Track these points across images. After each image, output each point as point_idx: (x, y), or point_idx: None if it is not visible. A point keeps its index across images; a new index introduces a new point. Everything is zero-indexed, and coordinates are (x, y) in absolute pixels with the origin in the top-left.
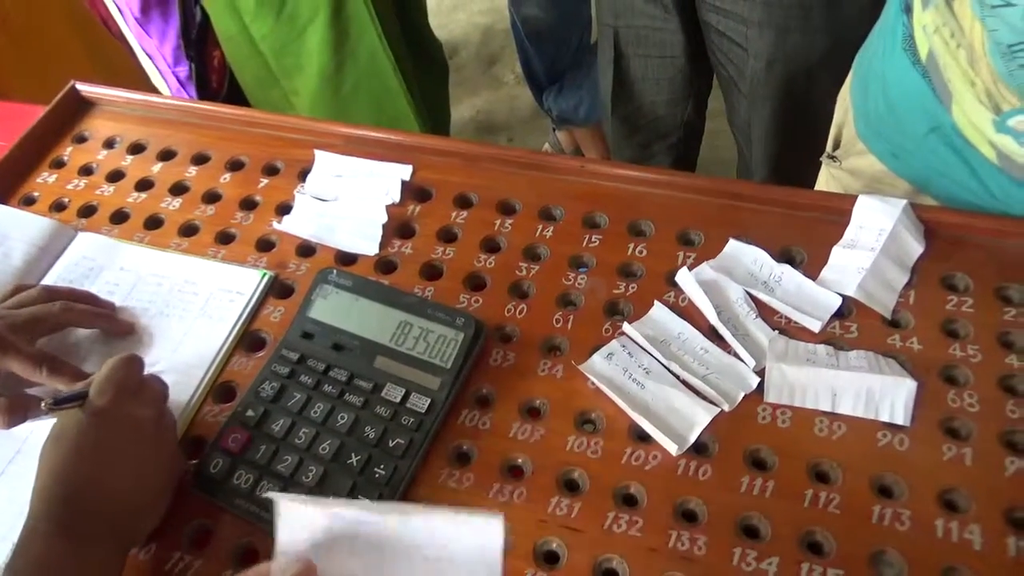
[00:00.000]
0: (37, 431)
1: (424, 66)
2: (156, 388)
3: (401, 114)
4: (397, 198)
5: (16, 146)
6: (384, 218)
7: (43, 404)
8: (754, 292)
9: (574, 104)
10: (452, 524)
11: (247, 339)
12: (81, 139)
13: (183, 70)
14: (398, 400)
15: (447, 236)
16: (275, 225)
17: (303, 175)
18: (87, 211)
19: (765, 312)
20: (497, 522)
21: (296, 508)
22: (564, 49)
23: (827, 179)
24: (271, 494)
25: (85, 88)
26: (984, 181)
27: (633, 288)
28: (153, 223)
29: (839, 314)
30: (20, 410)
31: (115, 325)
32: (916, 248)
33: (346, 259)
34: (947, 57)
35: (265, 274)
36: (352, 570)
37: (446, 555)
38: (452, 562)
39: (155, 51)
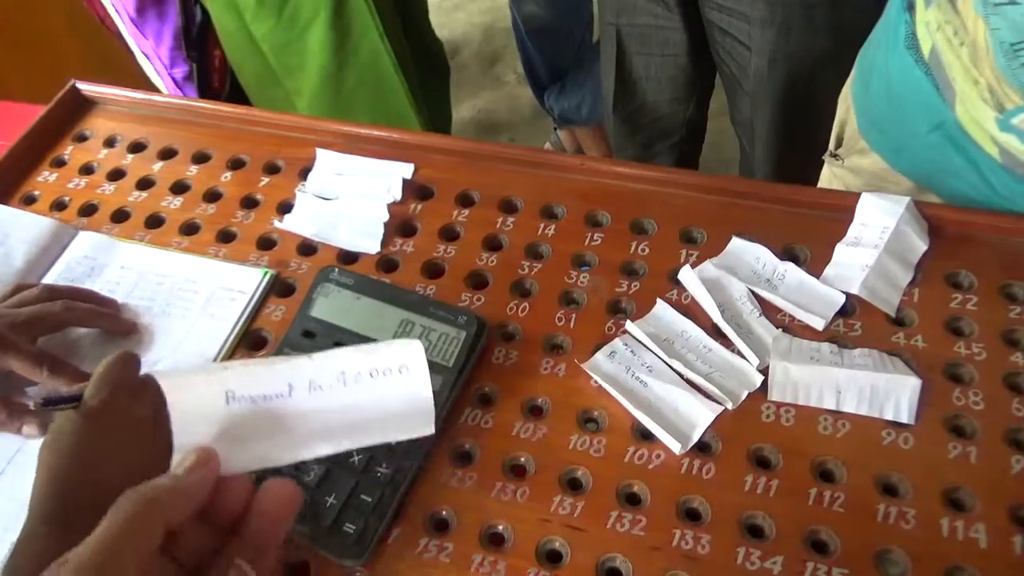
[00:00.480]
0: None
1: (425, 65)
2: (153, 386)
3: (402, 113)
4: (398, 196)
5: (16, 145)
6: (385, 216)
7: (32, 404)
8: (757, 290)
9: (576, 103)
10: (369, 366)
11: (248, 338)
12: (82, 138)
13: (180, 71)
14: None
15: (449, 234)
16: (276, 224)
17: (304, 173)
18: (88, 210)
19: (768, 310)
20: (417, 346)
21: (182, 391)
22: (566, 48)
23: (829, 177)
24: (151, 372)
25: (85, 87)
26: (988, 178)
27: (635, 286)
28: (154, 222)
29: (843, 312)
30: (16, 417)
31: (117, 324)
32: (920, 246)
33: (348, 258)
34: (950, 55)
35: (266, 273)
36: (264, 452)
37: (370, 412)
38: (382, 416)
39: (151, 52)
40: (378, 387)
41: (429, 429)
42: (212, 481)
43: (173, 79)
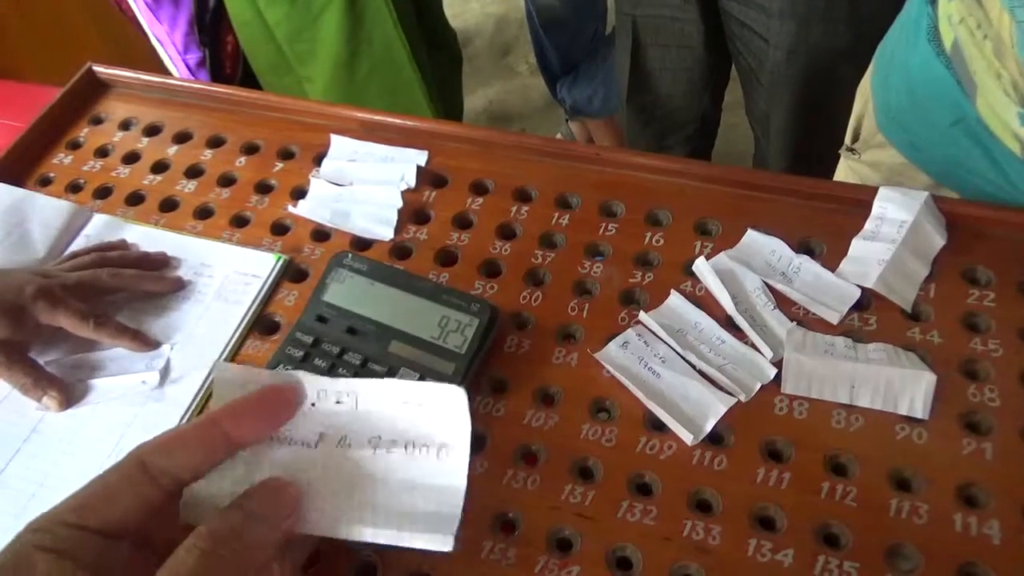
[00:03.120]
0: (50, 412)
1: (438, 55)
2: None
3: (415, 102)
4: (413, 184)
5: (32, 127)
6: (399, 203)
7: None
8: (772, 283)
9: (588, 95)
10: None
11: (261, 322)
12: (97, 121)
13: (193, 57)
14: None
15: (462, 222)
16: (290, 209)
17: (318, 159)
18: (103, 193)
19: (783, 303)
20: (461, 393)
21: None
22: (579, 39)
23: (846, 172)
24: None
25: (101, 70)
26: (1008, 174)
27: (649, 277)
28: (168, 205)
29: (858, 306)
30: (40, 386)
31: (162, 285)
32: (938, 241)
33: (361, 244)
34: (972, 48)
35: (280, 258)
36: None
37: (393, 496)
38: (402, 508)
39: (165, 37)
40: (411, 467)
41: (447, 543)
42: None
43: (187, 65)
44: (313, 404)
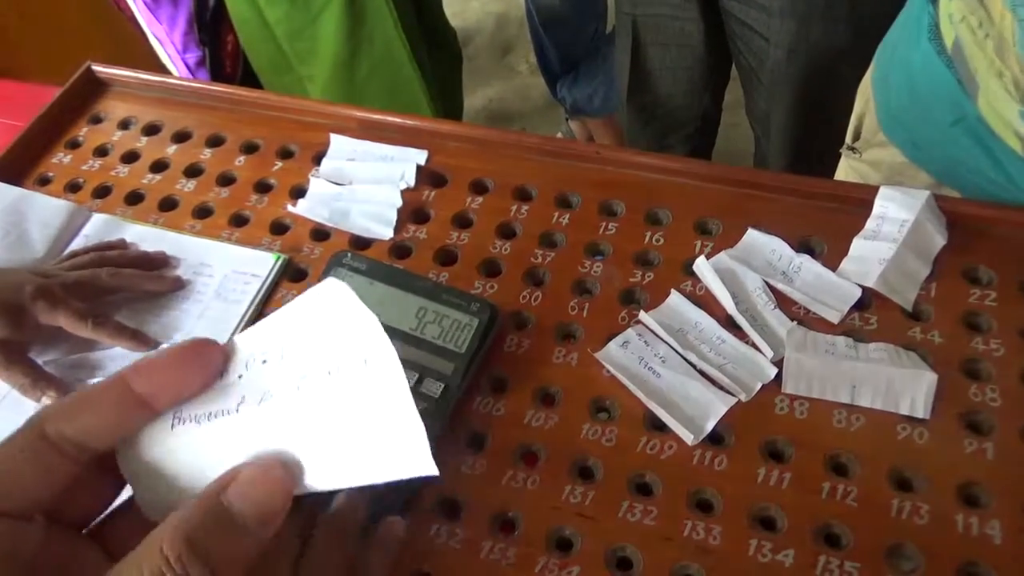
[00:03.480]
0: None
1: (438, 54)
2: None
3: (415, 101)
4: (412, 183)
5: (31, 126)
6: (399, 202)
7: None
8: (772, 282)
9: (588, 94)
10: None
11: None
12: (96, 120)
13: (192, 56)
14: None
15: (462, 222)
16: (289, 208)
17: (318, 159)
18: (102, 192)
19: (783, 302)
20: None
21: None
22: (579, 38)
23: (846, 171)
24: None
25: (100, 69)
26: (1009, 173)
27: (650, 276)
28: (168, 205)
29: (859, 306)
30: (39, 386)
31: (162, 284)
32: (939, 240)
33: (360, 243)
34: (974, 47)
35: (279, 257)
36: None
37: (336, 435)
38: (354, 444)
39: (164, 37)
40: (340, 393)
41: (429, 467)
42: None
43: (186, 64)
44: (240, 376)
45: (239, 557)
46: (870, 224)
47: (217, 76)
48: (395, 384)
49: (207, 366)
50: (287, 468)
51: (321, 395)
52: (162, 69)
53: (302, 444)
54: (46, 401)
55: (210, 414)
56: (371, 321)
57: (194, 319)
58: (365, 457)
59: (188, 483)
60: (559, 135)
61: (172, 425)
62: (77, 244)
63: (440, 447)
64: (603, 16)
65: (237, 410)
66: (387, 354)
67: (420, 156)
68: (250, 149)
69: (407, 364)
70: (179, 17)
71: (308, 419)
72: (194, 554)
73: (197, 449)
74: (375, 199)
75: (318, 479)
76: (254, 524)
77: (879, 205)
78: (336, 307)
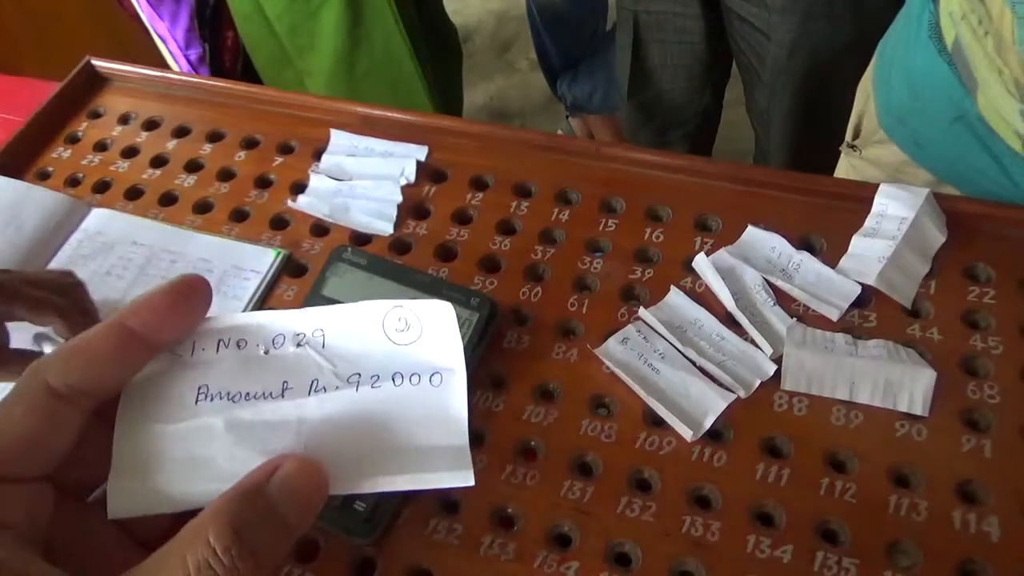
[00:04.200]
0: None
1: (438, 50)
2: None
3: (415, 97)
4: (412, 178)
5: (31, 121)
6: (399, 198)
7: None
8: (772, 279)
9: (588, 91)
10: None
11: None
12: (96, 115)
13: (194, 53)
14: None
15: (462, 218)
16: (289, 204)
17: (318, 154)
18: (101, 187)
19: (783, 300)
20: (448, 308)
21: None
22: (580, 35)
23: (846, 169)
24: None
25: (100, 64)
26: (1009, 171)
27: (649, 273)
28: (167, 200)
29: (858, 303)
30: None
31: (64, 330)
32: (938, 238)
33: (360, 239)
34: (974, 45)
35: (279, 253)
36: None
37: (392, 439)
38: (407, 449)
39: (166, 33)
40: (402, 400)
41: (468, 478)
42: None
43: (188, 60)
44: (267, 352)
45: (280, 552)
46: (870, 222)
47: (217, 72)
48: (459, 402)
49: (202, 302)
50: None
51: (382, 399)
52: (163, 65)
53: (351, 444)
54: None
55: (247, 394)
56: (458, 344)
57: None
58: (411, 464)
59: (211, 464)
60: (559, 132)
61: (196, 399)
62: (76, 238)
63: None
64: (603, 13)
65: (283, 395)
66: (461, 375)
67: (420, 152)
68: (250, 144)
69: None
70: (181, 14)
71: (363, 420)
72: (243, 546)
73: (231, 428)
74: (375, 195)
75: (358, 481)
76: (295, 519)
77: (879, 202)
78: (433, 322)
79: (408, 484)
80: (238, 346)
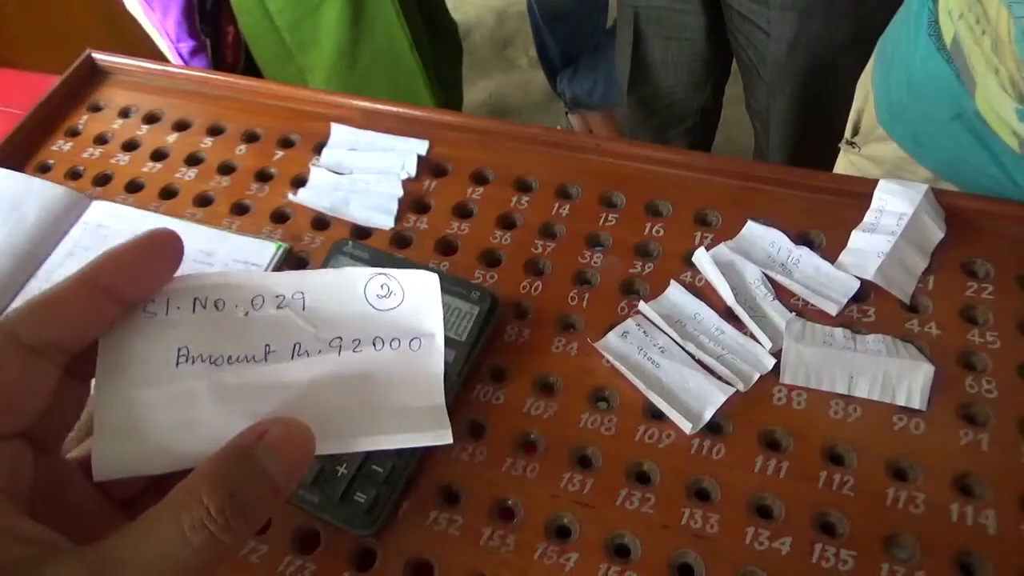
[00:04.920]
0: None
1: (439, 46)
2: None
3: (416, 93)
4: (413, 173)
5: (31, 114)
6: (400, 193)
7: None
8: (771, 274)
9: (588, 88)
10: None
11: None
12: (96, 108)
13: (186, 45)
14: None
15: (463, 212)
16: (290, 197)
17: (319, 148)
18: (102, 180)
19: (782, 294)
20: (432, 277)
21: (116, 335)
22: (580, 32)
23: (845, 166)
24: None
25: (101, 57)
26: (1007, 169)
27: (649, 268)
28: (168, 193)
29: (857, 298)
30: None
31: None
32: (937, 233)
33: (361, 233)
34: (971, 43)
35: (280, 246)
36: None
37: (372, 399)
38: (386, 408)
39: (159, 25)
40: (382, 363)
41: (447, 436)
42: None
43: (179, 53)
44: (247, 313)
45: (268, 510)
46: (869, 217)
47: (218, 67)
48: (437, 365)
49: (170, 256)
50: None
51: (363, 362)
52: (161, 57)
53: (334, 406)
54: None
55: (230, 357)
56: (439, 311)
57: None
58: (393, 425)
59: (196, 427)
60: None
61: (176, 362)
62: (76, 231)
63: None
64: (604, 10)
65: (266, 359)
66: (440, 340)
67: (421, 146)
68: (251, 138)
69: None
70: (171, 5)
71: (345, 383)
72: (236, 507)
73: (215, 391)
74: (376, 189)
75: (342, 442)
76: (283, 480)
77: (878, 198)
78: (417, 292)
79: (390, 443)
80: (216, 307)
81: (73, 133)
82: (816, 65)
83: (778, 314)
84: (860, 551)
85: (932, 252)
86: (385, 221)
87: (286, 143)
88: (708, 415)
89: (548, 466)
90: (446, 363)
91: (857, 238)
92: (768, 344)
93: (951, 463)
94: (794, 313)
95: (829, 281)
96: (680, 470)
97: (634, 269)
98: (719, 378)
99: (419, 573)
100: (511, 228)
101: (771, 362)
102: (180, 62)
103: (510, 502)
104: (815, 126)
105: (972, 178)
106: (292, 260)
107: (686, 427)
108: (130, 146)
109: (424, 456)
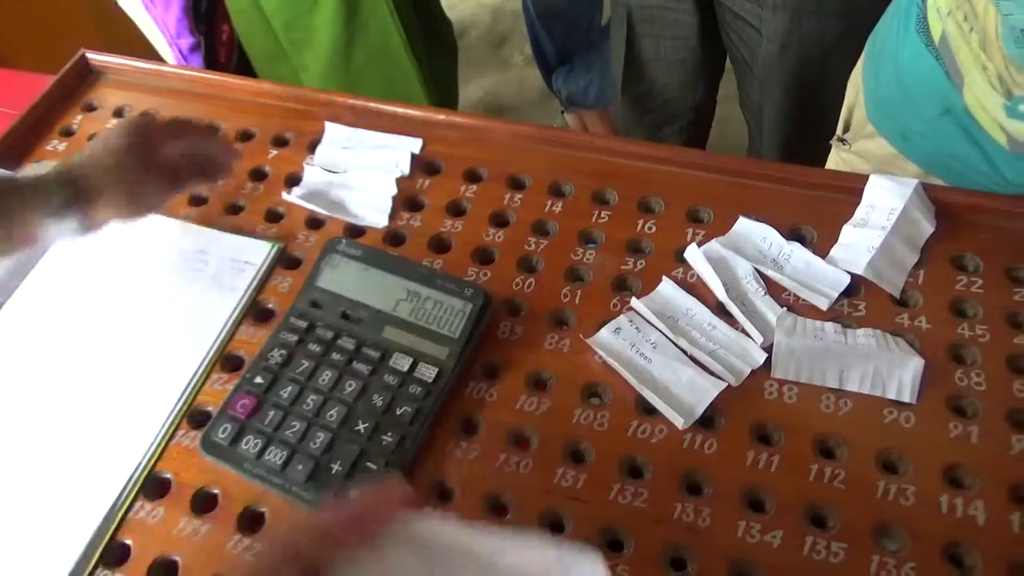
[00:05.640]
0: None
1: (434, 45)
2: None
3: (410, 92)
4: (407, 171)
5: (26, 114)
6: (393, 190)
7: None
8: (763, 269)
9: (583, 86)
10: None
11: (255, 309)
12: (90, 108)
13: (186, 42)
14: (406, 369)
15: (456, 210)
16: (284, 196)
17: (313, 147)
18: None
19: (774, 289)
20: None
21: None
22: (575, 30)
23: (837, 162)
24: None
25: (94, 57)
26: (996, 164)
27: (642, 264)
28: None
29: (848, 292)
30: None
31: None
32: (927, 228)
33: (355, 231)
34: (960, 40)
35: (274, 245)
36: None
37: None
38: None
39: (159, 20)
40: None
41: None
42: None
43: (179, 49)
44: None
45: None
46: (859, 212)
47: (212, 66)
48: None
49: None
50: None
51: None
52: (156, 58)
53: None
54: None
55: None
56: None
57: (190, 306)
58: None
59: None
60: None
61: None
62: None
63: (433, 431)
64: (599, 8)
65: None
66: None
67: (415, 144)
68: (245, 137)
69: (401, 349)
70: (173, 1)
71: None
72: None
73: None
74: (370, 187)
75: None
76: None
77: (868, 193)
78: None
79: None
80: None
81: (67, 133)
82: (808, 63)
83: (769, 309)
84: (851, 543)
85: (922, 246)
86: (379, 219)
87: (280, 142)
88: (700, 410)
89: (541, 461)
90: (440, 360)
91: (848, 233)
92: (759, 339)
93: (941, 455)
94: (785, 308)
95: (820, 276)
96: (672, 464)
97: (626, 265)
98: (711, 373)
99: None
100: (504, 225)
101: (762, 357)
102: (178, 59)
103: (503, 498)
104: (807, 124)
105: (960, 173)
106: (286, 259)
107: (678, 422)
108: None
109: (418, 452)
